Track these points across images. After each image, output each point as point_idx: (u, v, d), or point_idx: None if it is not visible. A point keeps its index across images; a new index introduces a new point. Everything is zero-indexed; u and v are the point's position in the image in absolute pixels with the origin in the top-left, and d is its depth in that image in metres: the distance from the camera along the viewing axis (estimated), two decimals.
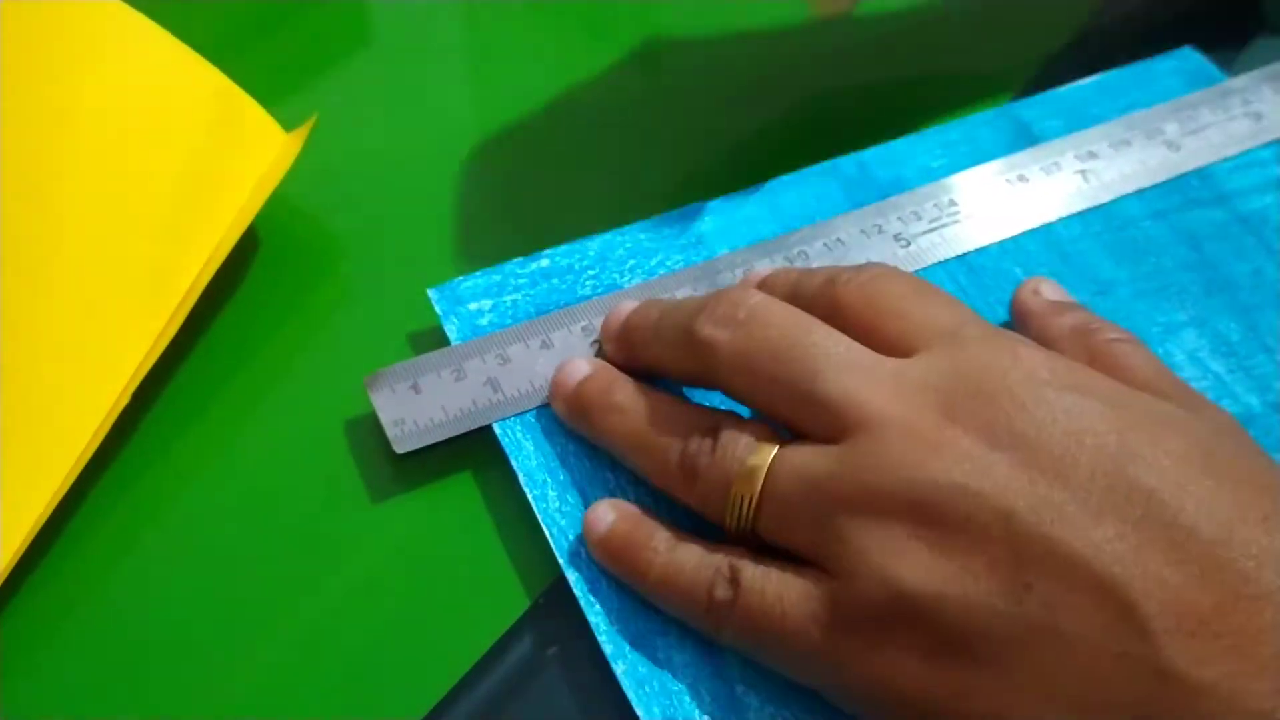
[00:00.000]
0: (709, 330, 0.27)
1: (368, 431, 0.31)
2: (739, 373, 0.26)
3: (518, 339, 0.31)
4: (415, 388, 0.30)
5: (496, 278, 0.33)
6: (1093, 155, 0.36)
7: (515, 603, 0.28)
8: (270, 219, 0.35)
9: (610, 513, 0.27)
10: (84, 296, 0.30)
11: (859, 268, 0.28)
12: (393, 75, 0.41)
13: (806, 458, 0.25)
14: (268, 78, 0.37)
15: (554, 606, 0.28)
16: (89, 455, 0.29)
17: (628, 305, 0.30)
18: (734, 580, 0.25)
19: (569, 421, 0.30)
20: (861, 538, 0.23)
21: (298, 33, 0.41)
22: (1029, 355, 0.25)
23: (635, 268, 0.33)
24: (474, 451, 0.30)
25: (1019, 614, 0.22)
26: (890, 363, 0.25)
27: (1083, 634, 0.21)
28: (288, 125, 0.35)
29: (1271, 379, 0.31)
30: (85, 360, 0.30)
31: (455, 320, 0.32)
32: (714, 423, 0.27)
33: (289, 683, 0.27)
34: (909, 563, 0.23)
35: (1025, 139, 0.37)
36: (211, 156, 0.33)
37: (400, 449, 0.30)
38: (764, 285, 0.30)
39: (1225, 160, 0.36)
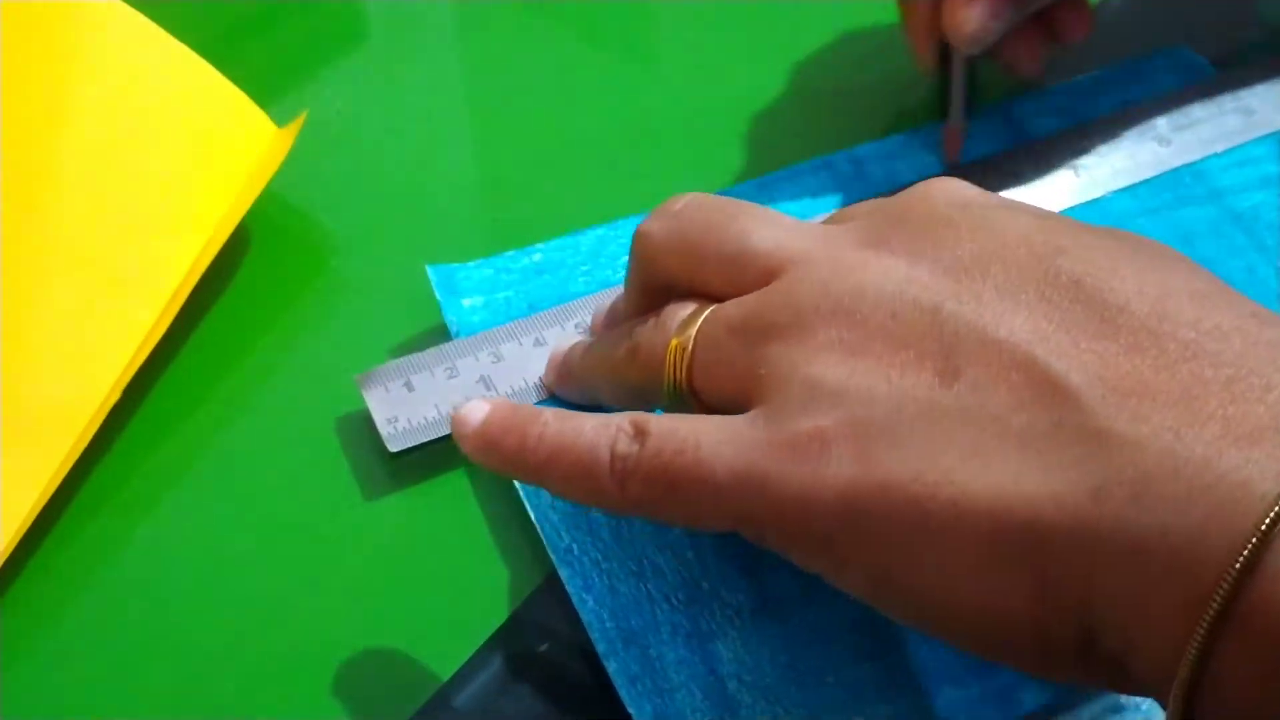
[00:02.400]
0: (645, 225, 0.27)
1: (360, 429, 0.31)
2: (674, 252, 0.26)
3: (511, 336, 0.31)
4: (408, 386, 0.30)
5: (489, 271, 0.33)
6: (1084, 151, 0.36)
7: (507, 600, 0.28)
8: (262, 215, 0.35)
9: (484, 404, 0.26)
10: (76, 291, 0.30)
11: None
12: (387, 73, 0.40)
13: (737, 303, 0.25)
14: (263, 75, 0.37)
15: (545, 604, 0.28)
16: (79, 451, 0.29)
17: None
18: (640, 432, 0.24)
19: (560, 388, 0.30)
20: (789, 354, 0.23)
21: (293, 31, 0.41)
22: (952, 182, 0.25)
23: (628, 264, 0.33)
24: None
25: (949, 400, 0.21)
26: (823, 224, 0.26)
27: (1015, 410, 0.21)
28: (283, 123, 0.35)
29: None
30: (76, 356, 0.30)
31: (450, 312, 0.32)
32: (659, 311, 0.27)
33: (281, 679, 0.27)
34: (835, 364, 0.22)
35: (1018, 136, 0.37)
36: (203, 151, 0.33)
37: (394, 447, 0.30)
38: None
39: (1218, 156, 0.36)
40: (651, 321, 0.26)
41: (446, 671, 0.27)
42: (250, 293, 0.34)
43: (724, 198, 0.27)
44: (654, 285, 0.27)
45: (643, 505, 0.24)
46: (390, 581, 0.29)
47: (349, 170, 0.37)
